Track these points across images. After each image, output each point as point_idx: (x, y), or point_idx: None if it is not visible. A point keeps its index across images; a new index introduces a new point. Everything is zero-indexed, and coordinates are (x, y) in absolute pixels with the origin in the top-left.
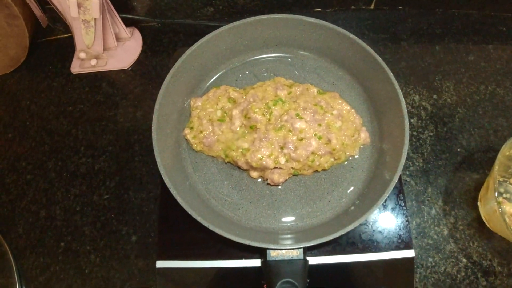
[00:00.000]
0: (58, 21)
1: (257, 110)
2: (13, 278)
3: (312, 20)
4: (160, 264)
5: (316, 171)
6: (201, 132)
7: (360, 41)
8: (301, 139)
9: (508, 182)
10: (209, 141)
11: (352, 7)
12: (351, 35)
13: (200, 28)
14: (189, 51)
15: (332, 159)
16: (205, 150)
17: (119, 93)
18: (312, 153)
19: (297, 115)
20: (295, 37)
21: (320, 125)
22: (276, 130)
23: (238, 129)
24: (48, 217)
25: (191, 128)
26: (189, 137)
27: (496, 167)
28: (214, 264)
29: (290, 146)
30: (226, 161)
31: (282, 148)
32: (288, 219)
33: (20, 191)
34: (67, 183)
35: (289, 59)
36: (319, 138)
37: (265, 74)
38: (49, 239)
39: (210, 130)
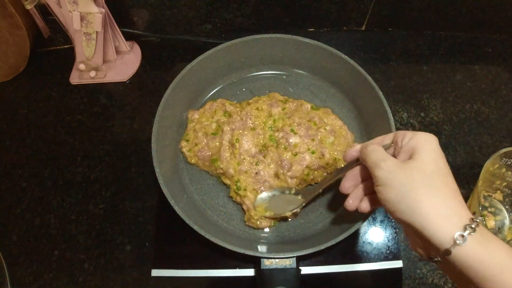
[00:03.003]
0: (59, 32)
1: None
2: (5, 285)
3: (307, 40)
4: (155, 272)
5: (310, 184)
6: (196, 145)
7: (352, 61)
8: (296, 154)
9: (492, 197)
10: (203, 155)
11: (344, 28)
12: (343, 55)
13: (198, 44)
14: (189, 66)
15: (325, 173)
16: (199, 164)
17: (117, 105)
18: (306, 167)
19: (292, 130)
20: (290, 56)
21: (313, 140)
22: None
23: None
24: (42, 225)
25: (187, 140)
26: (184, 150)
27: (480, 182)
28: (208, 273)
29: (285, 165)
30: (218, 180)
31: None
32: (281, 229)
33: (15, 198)
34: (63, 191)
35: (284, 77)
36: (313, 152)
37: (261, 90)
38: (43, 247)
39: (205, 143)
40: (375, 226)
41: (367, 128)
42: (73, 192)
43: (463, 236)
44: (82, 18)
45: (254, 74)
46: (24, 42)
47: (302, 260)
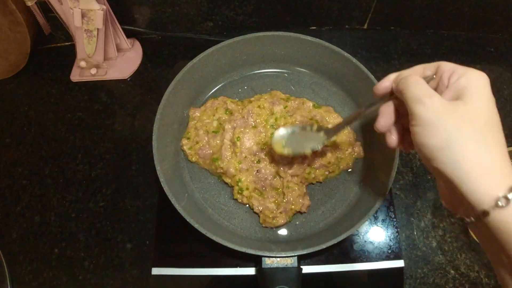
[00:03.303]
0: (60, 29)
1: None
2: (5, 283)
3: (309, 38)
4: (155, 271)
5: (311, 183)
6: (197, 143)
7: (354, 59)
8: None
9: None
10: (204, 153)
11: (346, 26)
12: (345, 54)
13: (199, 42)
14: (190, 63)
15: (327, 172)
16: (200, 162)
17: (117, 103)
18: (308, 165)
19: None
20: (292, 54)
21: None
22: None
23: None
24: (42, 222)
25: (188, 138)
26: (185, 148)
27: None
28: (209, 272)
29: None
30: (219, 179)
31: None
32: (283, 228)
33: (15, 196)
34: (63, 189)
35: (286, 75)
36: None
37: (262, 88)
38: (43, 245)
39: (206, 141)
40: (377, 226)
41: (369, 127)
42: (74, 190)
43: (507, 198)
44: (83, 15)
45: (255, 72)
46: (24, 39)
47: (304, 259)
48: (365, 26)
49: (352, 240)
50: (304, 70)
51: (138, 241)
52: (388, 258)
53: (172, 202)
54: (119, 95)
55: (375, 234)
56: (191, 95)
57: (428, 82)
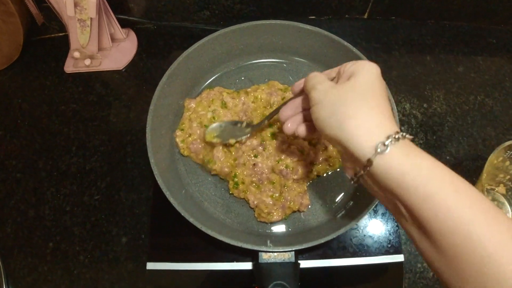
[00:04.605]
0: (53, 20)
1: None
2: (0, 278)
3: (308, 27)
4: (150, 266)
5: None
6: (190, 135)
7: (354, 49)
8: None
9: (495, 190)
10: (195, 148)
11: (346, 16)
12: (345, 43)
13: (196, 32)
14: (185, 53)
15: (327, 166)
16: (193, 157)
17: (112, 94)
18: (310, 163)
19: None
20: (290, 43)
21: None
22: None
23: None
24: (37, 216)
25: (182, 130)
26: (178, 140)
27: (484, 175)
28: (205, 267)
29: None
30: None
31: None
32: (280, 222)
33: (9, 189)
34: (58, 182)
35: (284, 65)
36: (314, 145)
37: (260, 78)
38: (38, 239)
39: (198, 134)
40: (376, 219)
41: None
42: (68, 183)
43: (385, 145)
44: (76, 4)
45: (253, 62)
46: (17, 30)
47: (301, 253)
48: (365, 16)
49: (351, 234)
50: (302, 60)
51: (134, 235)
52: (387, 252)
53: (166, 195)
54: (114, 86)
55: (375, 228)
56: (187, 85)
57: (332, 80)
